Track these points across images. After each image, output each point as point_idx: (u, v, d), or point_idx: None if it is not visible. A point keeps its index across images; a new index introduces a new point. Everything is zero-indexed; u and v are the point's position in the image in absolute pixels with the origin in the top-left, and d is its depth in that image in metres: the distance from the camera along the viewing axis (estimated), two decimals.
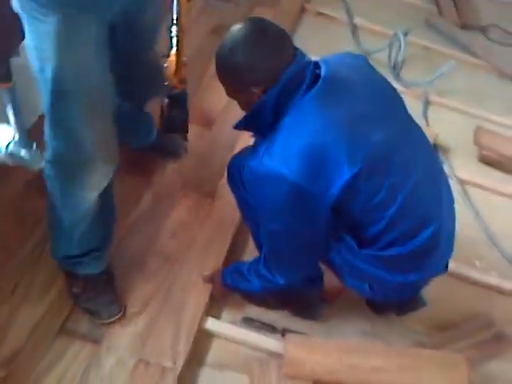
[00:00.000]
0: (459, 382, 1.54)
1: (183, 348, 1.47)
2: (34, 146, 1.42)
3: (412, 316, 1.77)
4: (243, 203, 1.52)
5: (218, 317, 1.62)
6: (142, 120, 1.88)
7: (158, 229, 1.76)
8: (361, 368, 1.51)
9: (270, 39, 1.28)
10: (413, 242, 1.39)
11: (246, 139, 2.12)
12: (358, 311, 1.73)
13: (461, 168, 2.36)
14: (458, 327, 1.78)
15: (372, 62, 1.48)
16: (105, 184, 1.39)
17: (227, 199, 1.88)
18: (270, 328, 1.63)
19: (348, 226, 1.41)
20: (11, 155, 1.39)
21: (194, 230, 1.78)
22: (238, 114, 2.26)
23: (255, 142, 1.46)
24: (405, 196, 1.35)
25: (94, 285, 1.53)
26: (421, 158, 1.42)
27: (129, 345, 1.45)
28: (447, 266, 1.58)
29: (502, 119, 2.67)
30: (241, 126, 1.40)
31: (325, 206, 1.31)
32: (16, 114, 1.36)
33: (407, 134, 1.43)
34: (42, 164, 1.37)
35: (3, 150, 1.38)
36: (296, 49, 1.31)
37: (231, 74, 1.31)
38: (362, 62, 1.47)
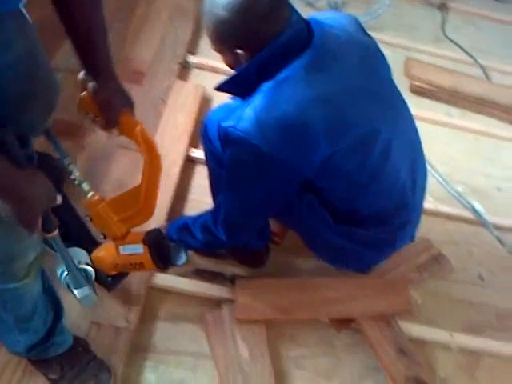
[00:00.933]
0: (403, 303, 1.64)
1: (135, 306, 1.48)
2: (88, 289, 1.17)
3: None
4: (212, 157, 1.48)
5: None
6: None
7: (96, 190, 1.72)
8: (311, 303, 1.58)
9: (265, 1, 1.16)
10: (387, 225, 1.45)
11: (177, 92, 2.12)
12: (303, 249, 1.79)
13: None
14: (398, 253, 1.86)
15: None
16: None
17: (164, 155, 1.86)
18: (220, 276, 1.66)
19: (323, 202, 1.41)
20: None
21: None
22: (166, 65, 2.26)
23: (233, 99, 1.41)
24: (382, 179, 1.37)
25: (73, 360, 1.33)
26: (403, 140, 1.41)
27: (79, 310, 1.43)
28: (413, 237, 1.68)
29: (430, 48, 2.73)
30: (222, 88, 1.30)
31: (295, 181, 1.30)
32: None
33: (392, 111, 1.38)
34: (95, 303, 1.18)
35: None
36: (292, 10, 1.21)
37: (217, 33, 1.21)
38: (353, 23, 1.39)
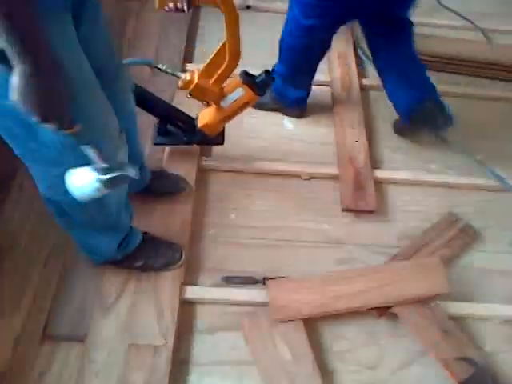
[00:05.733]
0: (439, 282, 1.60)
1: (170, 323, 1.46)
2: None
3: (380, 233, 1.82)
4: None
5: (195, 283, 1.62)
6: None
7: None
8: (344, 295, 1.55)
9: None
10: None
11: (179, 103, 2.09)
12: (330, 244, 1.78)
13: None
14: (425, 232, 1.83)
15: None
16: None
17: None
18: (250, 280, 1.64)
19: None
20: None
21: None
22: (165, 78, 2.21)
23: None
24: None
25: (147, 245, 1.56)
26: None
27: (115, 334, 1.43)
28: None
29: (428, 20, 2.68)
30: None
31: None
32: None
33: None
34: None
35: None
36: None
37: None
38: None
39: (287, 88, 2.07)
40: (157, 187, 1.75)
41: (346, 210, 1.86)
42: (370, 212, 1.86)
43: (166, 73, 1.61)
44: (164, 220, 1.71)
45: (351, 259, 1.75)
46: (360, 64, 2.44)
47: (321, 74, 2.20)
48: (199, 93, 1.56)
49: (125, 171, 1.08)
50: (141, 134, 1.77)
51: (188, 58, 2.39)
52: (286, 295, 1.54)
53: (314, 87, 2.15)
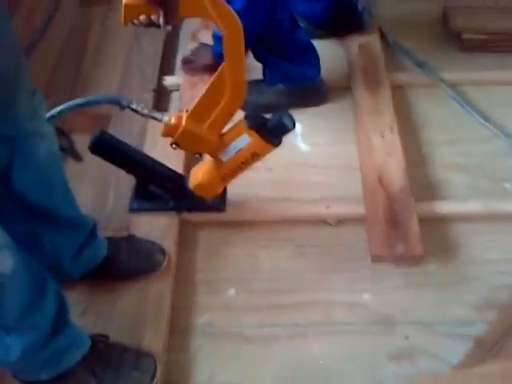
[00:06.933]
0: None
1: None
2: None
3: (449, 301, 1.25)
4: None
5: None
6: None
7: None
8: None
9: None
10: None
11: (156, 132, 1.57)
12: (376, 325, 1.21)
13: (445, 69, 1.81)
14: None
15: None
16: None
17: None
18: None
19: None
20: None
21: None
22: (137, 97, 1.68)
23: None
24: None
25: (102, 359, 1.05)
26: None
27: None
28: None
29: None
30: None
31: None
32: None
33: None
34: None
35: None
36: None
37: None
38: None
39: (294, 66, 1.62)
40: (117, 267, 1.22)
41: (377, 259, 1.30)
42: (418, 258, 1.29)
43: (142, 115, 1.19)
44: (128, 313, 1.18)
45: (411, 350, 1.17)
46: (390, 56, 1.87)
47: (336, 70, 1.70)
48: (189, 142, 1.17)
49: None
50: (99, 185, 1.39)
51: (167, 69, 1.87)
52: None
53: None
